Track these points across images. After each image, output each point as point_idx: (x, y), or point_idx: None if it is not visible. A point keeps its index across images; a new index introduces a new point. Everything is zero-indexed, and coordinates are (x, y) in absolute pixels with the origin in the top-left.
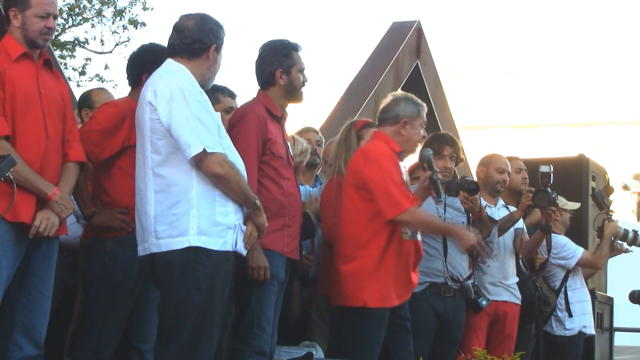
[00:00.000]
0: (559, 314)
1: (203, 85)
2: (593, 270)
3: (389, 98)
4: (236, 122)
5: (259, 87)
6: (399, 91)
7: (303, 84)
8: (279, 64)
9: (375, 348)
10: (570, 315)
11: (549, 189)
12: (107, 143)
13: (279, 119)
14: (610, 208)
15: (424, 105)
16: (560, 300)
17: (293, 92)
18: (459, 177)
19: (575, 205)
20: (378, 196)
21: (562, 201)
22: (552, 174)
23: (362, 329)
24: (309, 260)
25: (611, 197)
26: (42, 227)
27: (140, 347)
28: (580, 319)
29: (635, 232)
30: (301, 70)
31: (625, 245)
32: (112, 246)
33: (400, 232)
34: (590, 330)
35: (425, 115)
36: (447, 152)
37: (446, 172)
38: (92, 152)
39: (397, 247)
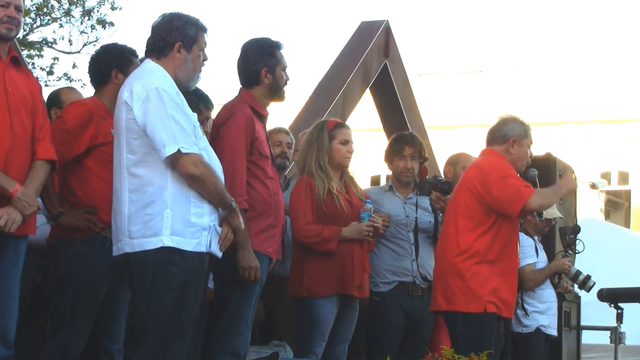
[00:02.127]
0: (518, 311)
1: (180, 85)
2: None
3: (496, 119)
4: (224, 121)
5: (242, 86)
6: (506, 113)
7: (286, 83)
8: (264, 63)
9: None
10: (527, 314)
11: (437, 178)
12: (74, 142)
13: (263, 118)
14: (573, 247)
15: (529, 125)
16: (518, 298)
17: (277, 91)
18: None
19: (555, 214)
20: (502, 192)
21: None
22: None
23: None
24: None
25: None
26: (2, 221)
27: (109, 348)
28: (538, 317)
29: (587, 276)
30: (284, 69)
31: (575, 287)
32: (80, 247)
33: None
34: (551, 331)
35: (532, 135)
36: (407, 152)
37: (407, 173)
38: (59, 151)
39: None
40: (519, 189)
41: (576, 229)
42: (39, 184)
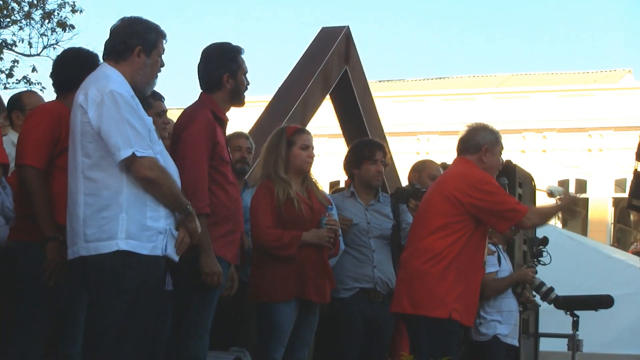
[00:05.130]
0: (476, 319)
1: (136, 89)
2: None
3: (465, 129)
4: (185, 126)
5: (203, 90)
6: (475, 121)
7: (246, 88)
8: (226, 68)
9: None
10: (481, 322)
11: (415, 186)
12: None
13: (223, 123)
14: (539, 259)
15: (499, 132)
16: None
17: (237, 96)
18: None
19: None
20: (495, 210)
21: None
22: (506, 186)
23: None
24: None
25: (543, 249)
26: None
27: (68, 351)
28: (496, 326)
29: (550, 288)
30: (245, 74)
31: (537, 297)
32: (39, 250)
33: None
34: (511, 340)
35: (502, 142)
36: (378, 157)
37: (379, 177)
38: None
39: None
40: (514, 206)
41: (544, 241)
42: None
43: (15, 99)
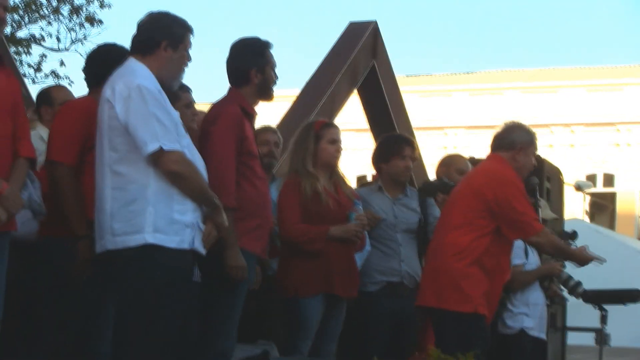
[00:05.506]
0: (503, 313)
1: (163, 84)
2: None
3: (502, 126)
4: (213, 120)
5: (231, 85)
6: (511, 120)
7: (275, 82)
8: (254, 63)
9: None
10: (509, 314)
11: (444, 180)
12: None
13: (252, 117)
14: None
15: (536, 133)
16: (503, 299)
17: (266, 91)
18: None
19: (550, 215)
20: (512, 217)
21: (542, 206)
22: (537, 186)
23: None
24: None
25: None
26: None
27: (97, 349)
28: (523, 319)
29: (578, 282)
30: (273, 69)
31: (565, 291)
32: (69, 245)
33: None
34: (538, 333)
35: (537, 144)
36: (407, 153)
37: (408, 172)
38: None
39: None
40: (530, 220)
41: (574, 235)
42: (22, 182)
43: (44, 94)
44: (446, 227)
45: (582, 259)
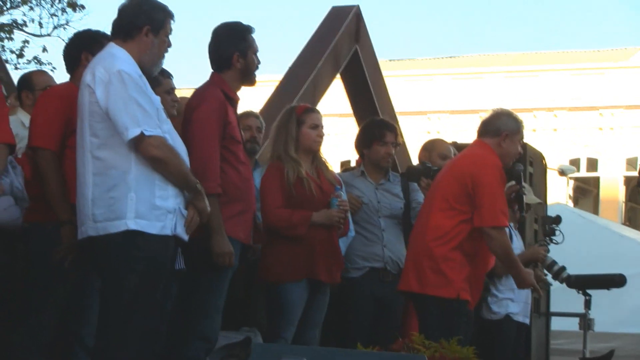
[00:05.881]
0: (488, 298)
1: (144, 69)
2: None
3: (490, 112)
4: (197, 106)
5: (213, 70)
6: (499, 107)
7: (257, 67)
8: (235, 47)
9: None
10: (494, 299)
11: (426, 165)
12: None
13: (234, 102)
14: (552, 238)
15: (523, 121)
16: (489, 284)
17: (248, 76)
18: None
19: (534, 200)
20: (480, 200)
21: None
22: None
23: None
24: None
25: (556, 228)
26: None
27: (80, 333)
28: (508, 304)
29: (562, 267)
30: (255, 53)
31: (549, 276)
32: (52, 230)
33: None
34: (522, 318)
35: (523, 132)
36: (389, 139)
37: (389, 158)
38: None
39: None
40: (498, 212)
41: (557, 219)
42: (1, 168)
43: (25, 79)
44: (429, 211)
45: (524, 280)
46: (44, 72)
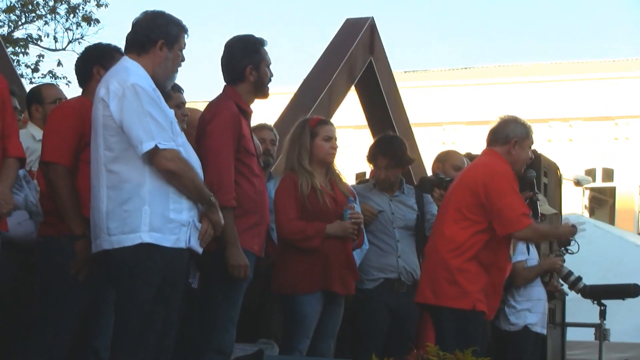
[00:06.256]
0: (506, 309)
1: (157, 83)
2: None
3: (497, 120)
4: (210, 119)
5: (226, 83)
6: (507, 114)
7: (270, 80)
8: (249, 60)
9: None
10: (513, 310)
11: (439, 176)
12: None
13: (248, 115)
14: (567, 248)
15: (531, 126)
16: (506, 295)
17: (261, 88)
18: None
19: (549, 210)
20: (499, 210)
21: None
22: (534, 179)
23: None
24: (268, 258)
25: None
26: None
27: (95, 346)
28: (526, 315)
29: (579, 277)
30: (268, 66)
31: (565, 286)
32: (67, 244)
33: None
34: (540, 329)
35: (532, 137)
36: (381, 164)
37: (383, 184)
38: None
39: None
40: (519, 216)
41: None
42: (12, 182)
43: (34, 92)
44: (442, 223)
45: (566, 232)
46: (53, 86)
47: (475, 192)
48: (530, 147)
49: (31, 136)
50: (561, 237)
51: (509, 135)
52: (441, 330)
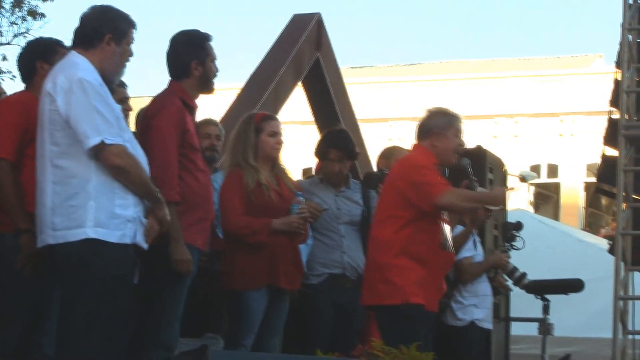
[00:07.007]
0: (453, 304)
1: (105, 78)
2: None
3: (423, 114)
4: (154, 113)
5: (171, 78)
6: (435, 106)
7: (215, 75)
8: (194, 55)
9: None
10: (460, 306)
11: (384, 172)
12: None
13: (193, 110)
14: (512, 244)
15: (458, 115)
16: (453, 291)
17: (206, 83)
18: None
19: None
20: (417, 185)
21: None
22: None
23: None
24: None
25: (517, 234)
26: None
27: (39, 341)
28: (473, 310)
29: (523, 273)
30: (214, 61)
31: (509, 282)
32: (11, 240)
33: None
34: (486, 324)
35: (459, 124)
36: (333, 156)
37: (335, 177)
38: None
39: None
40: (437, 184)
41: (518, 226)
42: None
43: None
44: (372, 225)
45: (497, 196)
46: None
47: (396, 188)
48: (458, 135)
49: None
50: (493, 199)
51: (431, 128)
52: (382, 329)
